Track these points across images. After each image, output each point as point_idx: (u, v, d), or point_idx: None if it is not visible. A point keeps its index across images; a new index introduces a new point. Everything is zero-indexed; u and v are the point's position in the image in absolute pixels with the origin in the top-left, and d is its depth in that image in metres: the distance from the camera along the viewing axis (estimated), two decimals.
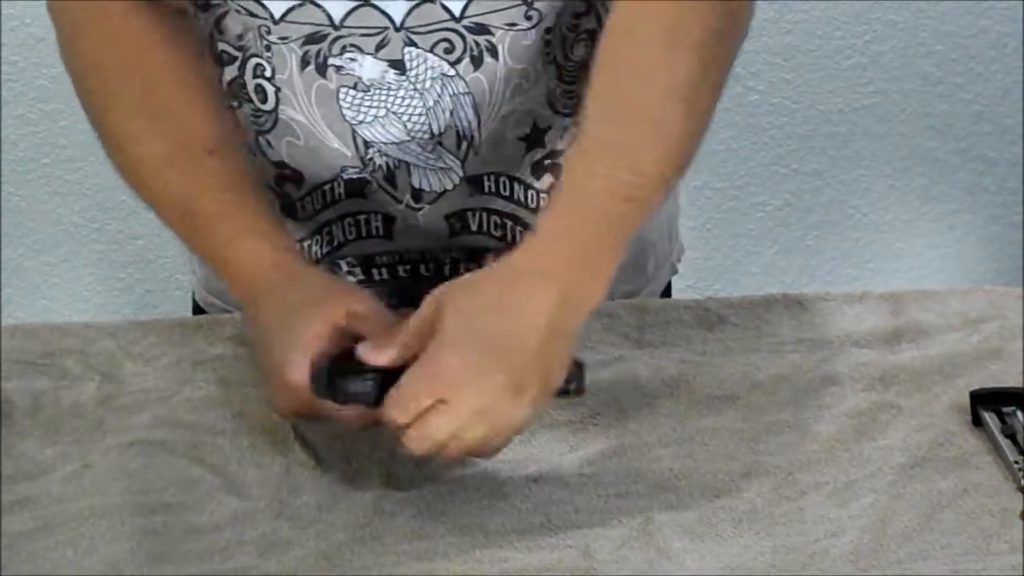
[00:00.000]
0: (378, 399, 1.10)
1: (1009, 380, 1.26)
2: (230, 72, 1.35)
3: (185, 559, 1.06)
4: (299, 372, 1.14)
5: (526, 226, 1.39)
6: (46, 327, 1.41)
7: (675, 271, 1.57)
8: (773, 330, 1.38)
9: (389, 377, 1.10)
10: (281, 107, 1.34)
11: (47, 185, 2.65)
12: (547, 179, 1.39)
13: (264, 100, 1.35)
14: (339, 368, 1.12)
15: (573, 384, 1.13)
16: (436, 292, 1.16)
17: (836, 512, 1.10)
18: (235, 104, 1.36)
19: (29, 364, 1.33)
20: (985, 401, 1.21)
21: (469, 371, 1.11)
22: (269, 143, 1.37)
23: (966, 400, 1.22)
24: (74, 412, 1.26)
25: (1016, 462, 1.14)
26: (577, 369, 1.14)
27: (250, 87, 1.35)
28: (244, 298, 1.25)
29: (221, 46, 1.35)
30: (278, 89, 1.34)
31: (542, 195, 1.39)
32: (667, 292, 1.57)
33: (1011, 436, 1.17)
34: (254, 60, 1.34)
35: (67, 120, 2.61)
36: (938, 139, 2.70)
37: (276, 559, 1.06)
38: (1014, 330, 1.35)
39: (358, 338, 1.16)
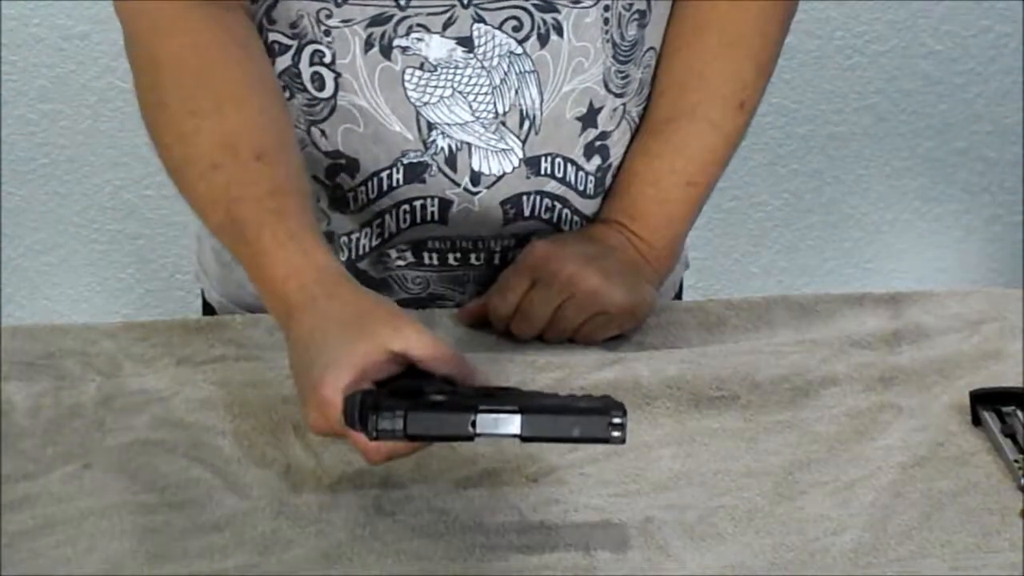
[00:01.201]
0: (408, 434, 1.06)
1: (1009, 380, 1.26)
2: (282, 62, 1.35)
3: (185, 558, 1.06)
4: (333, 389, 1.10)
5: (574, 209, 1.41)
6: (46, 328, 1.41)
7: (687, 265, 1.59)
8: (773, 331, 1.38)
9: (417, 407, 1.06)
10: (340, 93, 1.34)
11: (47, 185, 2.65)
12: (596, 161, 1.41)
13: (321, 88, 1.34)
14: (372, 401, 1.07)
15: (618, 433, 1.07)
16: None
17: (836, 511, 1.10)
18: (286, 96, 1.35)
19: (29, 365, 1.33)
20: (985, 401, 1.21)
21: (561, 260, 1.33)
22: (323, 132, 1.36)
23: (966, 400, 1.22)
24: (74, 412, 1.26)
25: (1016, 461, 1.14)
26: (620, 413, 1.08)
27: (305, 76, 1.34)
28: (280, 311, 1.20)
29: (272, 36, 1.34)
30: (338, 75, 1.34)
31: (590, 176, 1.41)
32: (679, 292, 1.59)
33: (1011, 436, 1.17)
34: (311, 47, 1.33)
35: (67, 120, 2.61)
36: (938, 139, 2.71)
37: (276, 558, 1.06)
38: (1014, 331, 1.35)
39: (404, 361, 1.13)
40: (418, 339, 1.13)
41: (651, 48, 1.41)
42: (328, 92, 1.34)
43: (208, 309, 1.54)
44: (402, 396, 1.07)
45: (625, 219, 1.40)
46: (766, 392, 1.27)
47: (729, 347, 1.35)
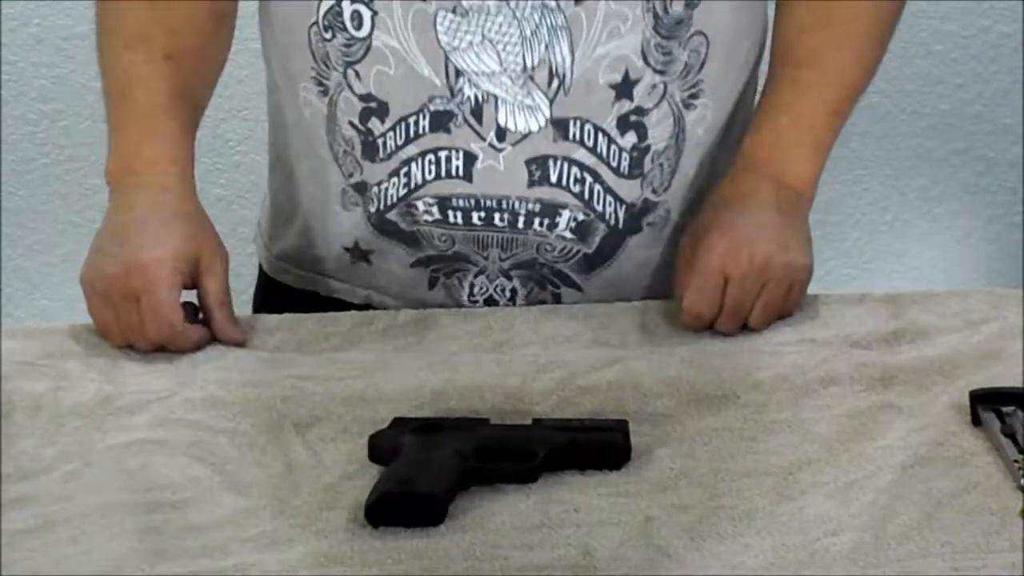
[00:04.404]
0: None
1: (1009, 380, 1.26)
2: (327, 3, 1.40)
3: (185, 556, 1.06)
4: (154, 260, 1.33)
5: (605, 185, 1.41)
6: (46, 328, 1.41)
7: None
8: (773, 331, 1.38)
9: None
10: (375, 32, 1.38)
11: (47, 185, 2.65)
12: (631, 137, 1.40)
13: (359, 26, 1.38)
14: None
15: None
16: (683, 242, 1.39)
17: (836, 511, 1.10)
18: (327, 36, 1.40)
19: (29, 365, 1.33)
20: (985, 401, 1.21)
21: (743, 246, 1.35)
22: (358, 74, 1.40)
23: (966, 400, 1.22)
24: (74, 412, 1.26)
25: (1016, 461, 1.14)
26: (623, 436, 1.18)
27: (346, 14, 1.39)
28: (129, 182, 1.39)
29: None
30: (375, 14, 1.37)
31: (624, 153, 1.41)
32: None
33: (1011, 436, 1.17)
34: None
35: (67, 120, 2.61)
36: (938, 139, 2.70)
37: (276, 557, 1.06)
38: (1014, 331, 1.35)
39: (196, 279, 1.36)
40: (216, 277, 1.37)
41: (700, 32, 1.40)
42: (365, 31, 1.38)
43: (267, 281, 1.58)
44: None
45: (771, 152, 1.42)
46: (766, 392, 1.27)
47: (729, 347, 1.35)
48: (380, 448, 1.17)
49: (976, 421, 1.21)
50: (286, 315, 1.42)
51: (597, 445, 1.16)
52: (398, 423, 1.20)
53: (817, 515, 1.10)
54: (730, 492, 1.13)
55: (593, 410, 1.25)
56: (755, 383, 1.28)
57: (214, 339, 1.37)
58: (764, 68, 1.50)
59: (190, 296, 1.38)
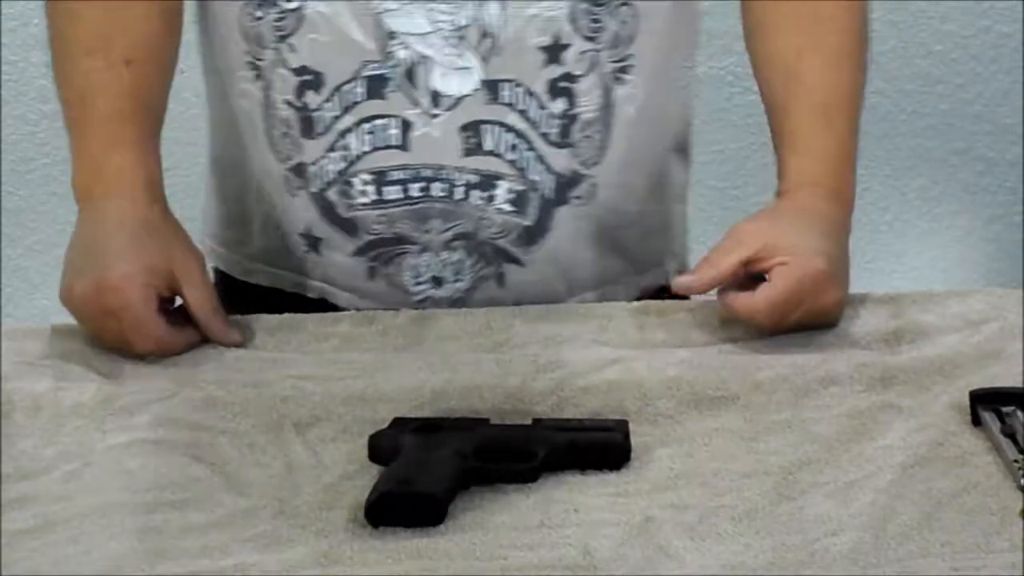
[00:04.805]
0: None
1: (1009, 381, 1.26)
2: None
3: (185, 556, 1.06)
4: (123, 279, 1.32)
5: (536, 153, 1.43)
6: (46, 329, 1.41)
7: (668, 280, 1.58)
8: None
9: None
10: (306, 1, 1.39)
11: (47, 185, 2.65)
12: (560, 103, 1.42)
13: None
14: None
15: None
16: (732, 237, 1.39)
17: (836, 511, 1.10)
18: (258, 15, 1.41)
19: (30, 365, 1.33)
20: (985, 401, 1.21)
21: (823, 284, 1.34)
22: (292, 47, 1.41)
23: (966, 400, 1.22)
24: (74, 412, 1.26)
25: (1016, 461, 1.14)
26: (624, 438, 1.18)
27: None
28: (96, 195, 1.38)
29: None
30: None
31: (554, 119, 1.42)
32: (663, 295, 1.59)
33: (1011, 436, 1.17)
34: None
35: None
36: (938, 139, 2.70)
37: (276, 557, 1.06)
38: (1014, 331, 1.35)
39: (175, 290, 1.35)
40: (197, 286, 1.36)
41: (627, 3, 1.42)
42: (296, 2, 1.40)
43: (219, 278, 1.58)
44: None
45: (828, 176, 1.42)
46: (766, 392, 1.27)
47: (729, 347, 1.35)
48: (380, 448, 1.17)
49: (976, 421, 1.21)
50: (286, 315, 1.42)
51: (597, 445, 1.16)
52: (398, 423, 1.20)
53: (817, 515, 1.10)
54: (730, 492, 1.13)
55: (593, 410, 1.25)
56: (755, 383, 1.28)
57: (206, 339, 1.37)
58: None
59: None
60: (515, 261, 1.47)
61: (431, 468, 1.12)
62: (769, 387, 1.28)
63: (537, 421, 1.20)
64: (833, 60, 1.44)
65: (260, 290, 1.54)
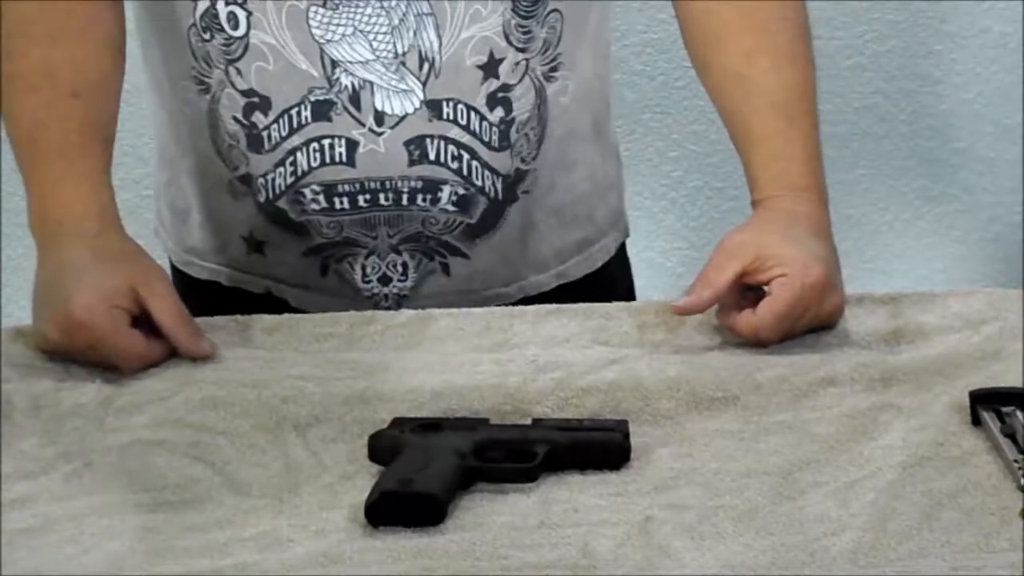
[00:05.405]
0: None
1: (1009, 381, 1.26)
2: (202, 5, 1.43)
3: (185, 556, 1.06)
4: (87, 311, 1.31)
5: (481, 160, 1.47)
6: None
7: (627, 234, 1.64)
8: None
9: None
10: (252, 31, 1.42)
11: None
12: (499, 112, 1.46)
13: (235, 27, 1.42)
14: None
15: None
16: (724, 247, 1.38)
17: (836, 511, 1.10)
18: (206, 37, 1.44)
19: (30, 366, 1.33)
20: (984, 401, 1.21)
21: (822, 290, 1.34)
22: (239, 71, 1.44)
23: (966, 400, 1.22)
24: (75, 412, 1.26)
25: (1016, 461, 1.14)
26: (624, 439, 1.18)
27: (222, 16, 1.43)
28: (48, 232, 1.38)
29: None
30: (249, 14, 1.42)
31: (494, 128, 1.46)
32: (622, 256, 1.63)
33: (1011, 436, 1.17)
34: None
35: None
36: (938, 139, 2.70)
37: (276, 557, 1.06)
38: (1014, 331, 1.35)
39: (142, 306, 1.33)
40: (162, 299, 1.34)
41: (556, 10, 1.46)
42: (241, 31, 1.43)
43: (175, 272, 1.59)
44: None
45: (787, 175, 1.44)
46: (766, 392, 1.27)
47: (729, 347, 1.35)
48: (380, 448, 1.17)
49: (976, 421, 1.21)
50: (286, 315, 1.43)
51: (597, 445, 1.16)
52: (398, 423, 1.20)
53: (817, 515, 1.10)
54: (730, 492, 1.13)
55: (593, 410, 1.25)
56: (755, 384, 1.28)
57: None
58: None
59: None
60: (460, 254, 1.51)
61: (431, 468, 1.12)
62: (769, 387, 1.28)
63: (537, 421, 1.20)
64: (783, 59, 1.45)
65: (197, 282, 1.56)
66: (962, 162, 2.71)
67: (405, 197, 1.46)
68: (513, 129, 1.47)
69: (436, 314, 1.42)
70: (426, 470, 1.12)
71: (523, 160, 1.49)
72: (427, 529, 1.08)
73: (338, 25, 1.43)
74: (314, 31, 1.42)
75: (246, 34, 1.43)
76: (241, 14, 1.42)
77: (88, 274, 1.34)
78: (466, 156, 1.46)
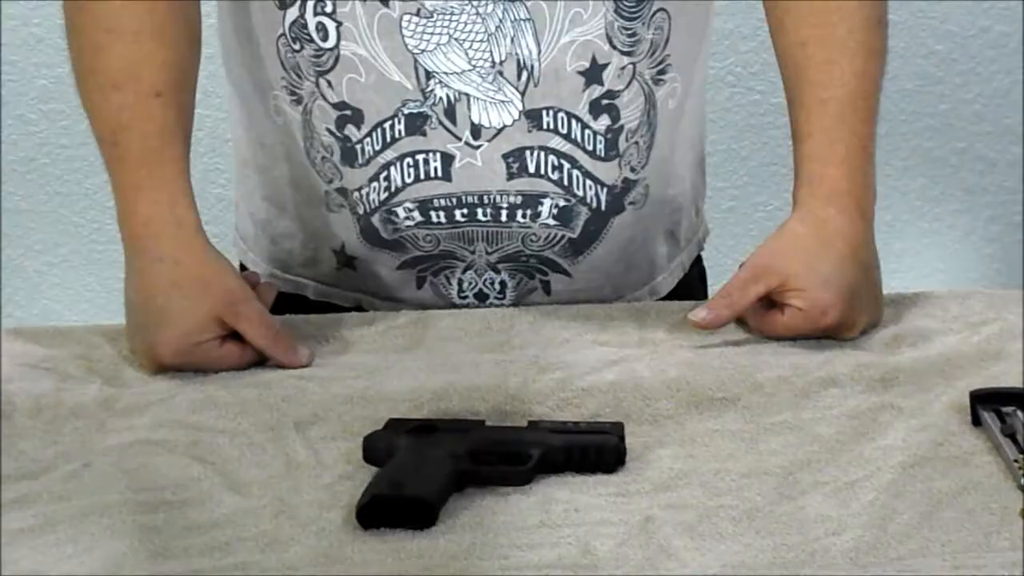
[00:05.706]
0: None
1: (1009, 381, 1.26)
2: (291, 14, 1.39)
3: (186, 555, 1.06)
4: (173, 356, 1.31)
5: (583, 169, 1.42)
6: (48, 331, 1.42)
7: (701, 248, 1.60)
8: None
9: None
10: (343, 43, 1.38)
11: (47, 185, 2.65)
12: (604, 120, 1.41)
13: (325, 38, 1.38)
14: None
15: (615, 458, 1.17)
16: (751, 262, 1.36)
17: (837, 511, 1.10)
18: (296, 48, 1.40)
19: (31, 367, 1.33)
20: (985, 401, 1.21)
21: (847, 314, 1.34)
22: (330, 83, 1.40)
23: (966, 400, 1.22)
24: (75, 413, 1.26)
25: (1016, 461, 1.14)
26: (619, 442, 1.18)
27: (311, 26, 1.39)
28: (130, 246, 1.35)
29: None
30: (339, 24, 1.38)
31: (599, 136, 1.42)
32: (699, 268, 1.60)
33: (1011, 436, 1.17)
34: None
35: (67, 120, 2.61)
36: (938, 139, 2.70)
37: (276, 556, 1.06)
38: (1014, 331, 1.35)
39: (229, 326, 1.31)
40: (250, 321, 1.32)
41: (662, 9, 1.41)
42: (331, 42, 1.39)
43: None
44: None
45: (823, 180, 1.39)
46: (767, 393, 1.27)
47: (729, 348, 1.35)
48: (374, 450, 1.17)
49: (976, 421, 1.21)
50: (286, 316, 1.42)
51: (592, 448, 1.16)
52: (393, 424, 1.20)
53: (817, 515, 1.10)
54: (730, 492, 1.13)
55: (593, 411, 1.25)
56: (755, 384, 1.28)
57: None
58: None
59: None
60: (562, 271, 1.47)
61: (424, 471, 1.12)
62: (769, 388, 1.28)
63: (532, 423, 1.20)
64: (839, 52, 1.40)
65: (280, 295, 1.50)
66: (962, 162, 2.71)
67: (504, 213, 1.42)
68: (622, 138, 1.43)
69: (437, 314, 1.42)
70: (419, 473, 1.12)
71: (632, 169, 1.45)
72: (427, 529, 1.08)
73: (432, 34, 1.38)
74: (407, 40, 1.38)
75: (336, 45, 1.38)
76: (331, 24, 1.38)
77: (169, 311, 1.32)
78: (567, 166, 1.42)
